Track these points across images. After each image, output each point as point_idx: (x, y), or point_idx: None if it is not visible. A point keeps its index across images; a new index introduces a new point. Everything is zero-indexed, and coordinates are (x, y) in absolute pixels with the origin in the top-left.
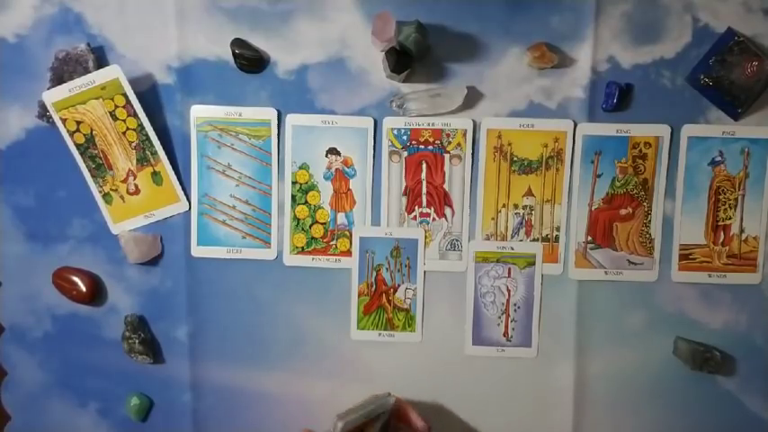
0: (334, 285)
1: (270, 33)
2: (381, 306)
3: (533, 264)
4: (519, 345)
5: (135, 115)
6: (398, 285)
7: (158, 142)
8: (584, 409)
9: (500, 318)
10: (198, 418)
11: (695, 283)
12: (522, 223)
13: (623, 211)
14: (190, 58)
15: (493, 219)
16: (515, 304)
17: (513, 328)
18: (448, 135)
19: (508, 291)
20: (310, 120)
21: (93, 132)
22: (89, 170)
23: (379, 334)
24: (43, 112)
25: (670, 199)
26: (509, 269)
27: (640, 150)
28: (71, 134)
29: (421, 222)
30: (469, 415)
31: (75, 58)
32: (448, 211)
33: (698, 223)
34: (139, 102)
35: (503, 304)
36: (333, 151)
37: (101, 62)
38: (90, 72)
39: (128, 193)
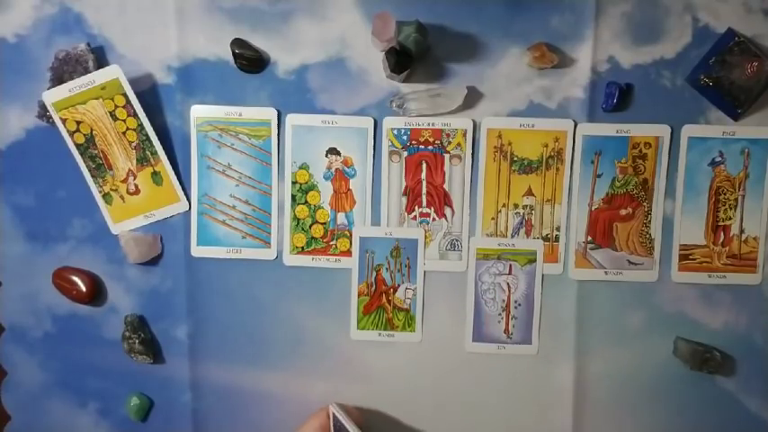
0: (335, 285)
1: (270, 33)
2: (381, 306)
3: (534, 261)
4: (520, 342)
5: (135, 115)
6: (398, 285)
7: (158, 142)
8: (584, 408)
9: (500, 315)
10: (198, 418)
11: (695, 284)
12: (522, 223)
13: (623, 212)
14: (190, 58)
15: (493, 218)
16: (516, 301)
17: (514, 326)
18: (448, 135)
19: (509, 288)
20: (310, 120)
21: (93, 132)
22: (89, 170)
23: (379, 334)
24: (43, 112)
25: (670, 199)
26: (510, 266)
27: (640, 150)
28: (71, 134)
29: (421, 222)
30: (469, 415)
31: (75, 58)
32: (448, 210)
33: (698, 223)
34: (139, 102)
35: (503, 301)
36: (333, 151)
37: (101, 62)
38: (90, 72)
39: (128, 193)
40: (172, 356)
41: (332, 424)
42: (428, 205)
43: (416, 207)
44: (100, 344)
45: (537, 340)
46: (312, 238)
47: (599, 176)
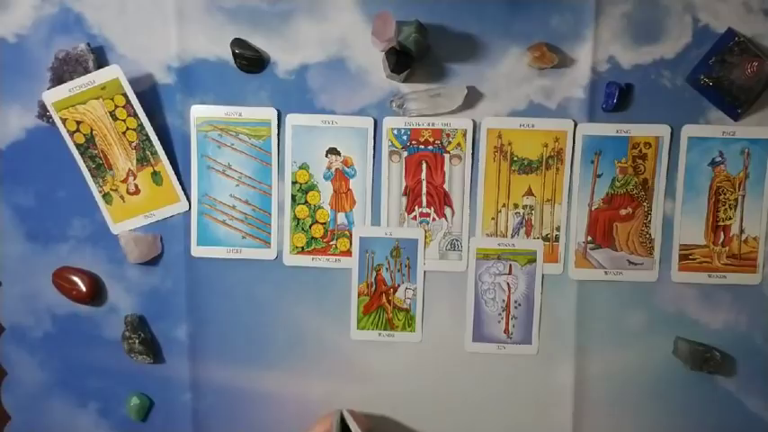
0: (335, 285)
1: (270, 33)
2: (381, 306)
3: (534, 261)
4: (519, 342)
5: (135, 115)
6: (398, 285)
7: (158, 142)
8: (584, 409)
9: (500, 315)
10: (198, 418)
11: (695, 284)
12: (522, 223)
13: (623, 211)
14: (190, 58)
15: (493, 218)
16: (516, 301)
17: (514, 326)
18: (448, 135)
19: (509, 288)
20: (310, 120)
21: (93, 132)
22: (89, 170)
23: (379, 334)
24: (43, 112)
25: (670, 199)
26: (510, 266)
27: (640, 150)
28: (71, 134)
29: (421, 222)
30: (469, 415)
31: (75, 58)
32: (448, 211)
33: (698, 224)
34: (139, 102)
35: (503, 301)
36: (333, 151)
37: (101, 62)
38: (90, 72)
39: (128, 193)
40: (172, 356)
41: (333, 428)
42: (428, 205)
43: (416, 207)
44: (100, 344)
45: (537, 340)
46: (312, 238)
47: (599, 176)
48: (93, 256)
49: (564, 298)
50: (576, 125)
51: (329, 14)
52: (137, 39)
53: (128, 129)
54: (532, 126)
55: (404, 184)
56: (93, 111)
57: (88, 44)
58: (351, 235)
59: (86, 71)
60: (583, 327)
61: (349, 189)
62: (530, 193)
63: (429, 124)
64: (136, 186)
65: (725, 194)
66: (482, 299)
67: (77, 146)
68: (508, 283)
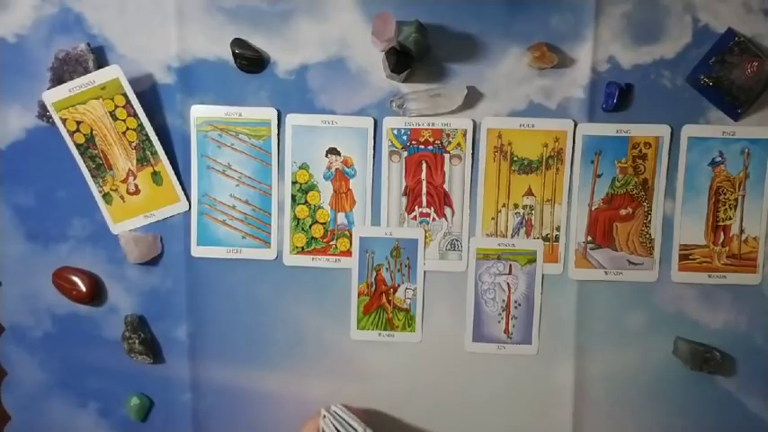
0: (335, 285)
1: (270, 33)
2: (381, 306)
3: (534, 261)
4: (519, 342)
5: (135, 115)
6: (398, 285)
7: (158, 142)
8: (583, 408)
9: (500, 315)
10: (198, 418)
11: (695, 284)
12: (522, 223)
13: (623, 211)
14: (190, 58)
15: (493, 218)
16: (516, 301)
17: (514, 326)
18: (448, 135)
19: (509, 288)
20: (310, 120)
21: (93, 132)
22: (89, 170)
23: (379, 334)
24: (43, 112)
25: (670, 199)
26: (510, 266)
27: (640, 150)
28: (71, 134)
29: (421, 222)
30: (469, 415)
31: (75, 58)
32: (448, 211)
33: (698, 224)
34: (139, 102)
35: (503, 301)
36: (333, 151)
37: (101, 62)
38: (90, 72)
39: (128, 193)
40: (172, 356)
41: (322, 425)
42: (428, 205)
43: (416, 207)
44: (100, 344)
45: (537, 340)
46: (312, 238)
47: (599, 176)
48: (93, 256)
49: (564, 298)
50: (576, 125)
51: (329, 14)
52: (137, 39)
53: (128, 129)
54: (532, 126)
55: (404, 184)
56: (93, 111)
57: (88, 44)
58: (351, 235)
59: (86, 71)
60: (583, 327)
61: (349, 189)
62: (530, 193)
63: (429, 124)
64: (136, 186)
65: (725, 194)
66: (482, 299)
67: (77, 146)
68: (508, 283)
